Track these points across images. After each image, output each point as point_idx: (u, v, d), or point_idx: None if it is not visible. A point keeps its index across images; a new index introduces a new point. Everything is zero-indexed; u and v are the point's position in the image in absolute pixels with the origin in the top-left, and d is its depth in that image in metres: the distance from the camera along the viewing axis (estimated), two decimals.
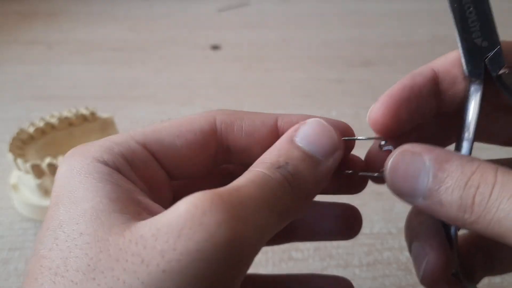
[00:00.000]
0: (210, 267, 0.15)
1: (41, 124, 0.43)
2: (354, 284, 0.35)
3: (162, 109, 0.56)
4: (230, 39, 0.74)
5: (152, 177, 0.20)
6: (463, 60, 0.21)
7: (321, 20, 0.82)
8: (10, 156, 0.39)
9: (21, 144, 0.41)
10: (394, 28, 0.79)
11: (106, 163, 0.19)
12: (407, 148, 0.19)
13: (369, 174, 0.21)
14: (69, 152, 0.20)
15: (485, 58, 0.21)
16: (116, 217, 0.17)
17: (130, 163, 0.20)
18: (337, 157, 0.20)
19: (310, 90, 0.61)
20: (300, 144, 0.20)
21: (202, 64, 0.67)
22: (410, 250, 0.23)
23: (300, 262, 0.36)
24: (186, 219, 0.16)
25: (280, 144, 0.20)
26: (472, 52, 0.21)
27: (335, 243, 0.38)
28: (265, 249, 0.37)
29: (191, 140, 0.21)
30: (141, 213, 0.18)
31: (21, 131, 0.42)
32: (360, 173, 0.22)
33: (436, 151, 0.18)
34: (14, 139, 0.41)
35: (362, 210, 0.25)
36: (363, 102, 0.59)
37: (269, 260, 0.35)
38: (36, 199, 0.39)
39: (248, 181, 0.18)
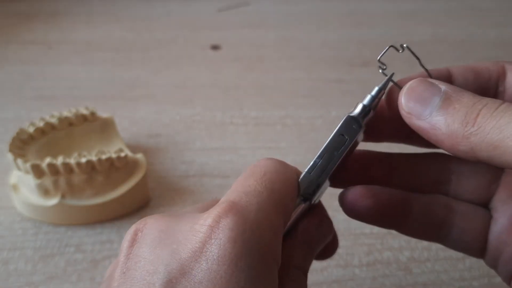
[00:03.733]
0: None
1: (41, 124, 0.43)
2: (353, 284, 0.35)
3: (162, 109, 0.56)
4: (230, 39, 0.74)
5: None
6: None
7: (321, 20, 0.82)
8: (10, 156, 0.39)
9: (21, 144, 0.41)
10: (394, 28, 0.79)
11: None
12: (424, 78, 0.22)
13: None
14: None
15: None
16: None
17: None
18: None
19: (310, 90, 0.61)
20: None
21: (202, 64, 0.67)
22: None
23: None
24: None
25: None
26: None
27: None
28: None
29: None
30: None
31: (21, 131, 0.42)
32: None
33: (452, 85, 0.21)
34: (14, 139, 0.41)
35: None
36: None
37: None
38: (36, 199, 0.39)
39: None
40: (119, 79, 0.63)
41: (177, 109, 0.56)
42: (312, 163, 0.22)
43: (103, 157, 0.39)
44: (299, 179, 0.22)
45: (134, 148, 0.48)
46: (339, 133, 0.22)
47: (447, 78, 0.23)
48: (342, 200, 0.24)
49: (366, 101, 0.23)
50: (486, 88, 0.23)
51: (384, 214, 0.24)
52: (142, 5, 0.86)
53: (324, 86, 0.62)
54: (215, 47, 0.72)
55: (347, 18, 0.83)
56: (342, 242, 0.37)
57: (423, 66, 0.23)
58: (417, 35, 0.76)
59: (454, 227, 0.24)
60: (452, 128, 0.19)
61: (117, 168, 0.40)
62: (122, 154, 0.40)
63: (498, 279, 0.34)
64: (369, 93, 0.23)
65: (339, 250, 0.37)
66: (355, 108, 0.23)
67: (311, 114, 0.55)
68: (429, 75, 0.23)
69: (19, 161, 0.38)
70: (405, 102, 0.21)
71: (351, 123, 0.22)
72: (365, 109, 0.23)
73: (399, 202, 0.24)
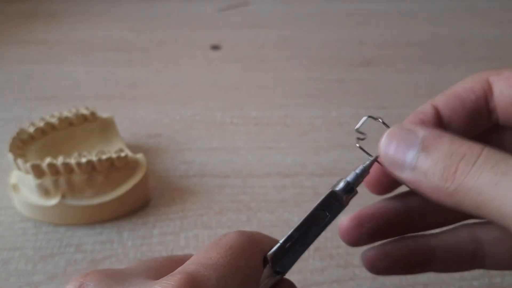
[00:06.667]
0: None
1: (41, 124, 0.43)
2: (354, 284, 0.35)
3: (162, 109, 0.56)
4: (230, 39, 0.74)
5: None
6: None
7: (321, 20, 0.82)
8: (10, 156, 0.39)
9: (21, 144, 0.41)
10: (394, 28, 0.79)
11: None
12: (403, 124, 0.20)
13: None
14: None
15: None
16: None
17: None
18: None
19: (310, 90, 0.61)
20: None
21: (202, 64, 0.67)
22: None
23: (300, 262, 0.36)
24: None
25: None
26: None
27: (335, 243, 0.38)
28: None
29: None
30: None
31: (21, 131, 0.42)
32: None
33: (430, 129, 0.19)
34: (14, 139, 0.41)
35: None
36: (363, 102, 0.59)
37: None
38: (36, 199, 0.39)
39: None
40: (119, 79, 0.63)
41: (177, 109, 0.56)
42: (288, 235, 0.21)
43: (103, 157, 0.39)
44: (272, 251, 0.21)
45: (134, 148, 0.48)
46: (321, 208, 0.22)
47: (434, 116, 0.22)
48: (363, 261, 0.25)
49: (350, 177, 0.22)
50: (477, 110, 0.22)
51: (405, 267, 0.24)
52: (142, 5, 0.86)
53: (324, 86, 0.62)
54: (215, 47, 0.72)
55: (347, 18, 0.83)
56: (342, 242, 0.37)
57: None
58: (417, 35, 0.76)
59: (486, 257, 0.24)
60: (433, 184, 0.18)
61: (117, 168, 0.40)
62: (122, 154, 0.40)
63: (498, 279, 0.34)
64: (354, 170, 0.22)
65: (340, 250, 0.37)
66: (338, 183, 0.22)
67: (311, 114, 0.55)
68: None
69: (19, 161, 0.38)
70: (384, 155, 0.20)
71: (333, 199, 0.22)
72: (349, 186, 0.22)
73: (417, 253, 0.24)
